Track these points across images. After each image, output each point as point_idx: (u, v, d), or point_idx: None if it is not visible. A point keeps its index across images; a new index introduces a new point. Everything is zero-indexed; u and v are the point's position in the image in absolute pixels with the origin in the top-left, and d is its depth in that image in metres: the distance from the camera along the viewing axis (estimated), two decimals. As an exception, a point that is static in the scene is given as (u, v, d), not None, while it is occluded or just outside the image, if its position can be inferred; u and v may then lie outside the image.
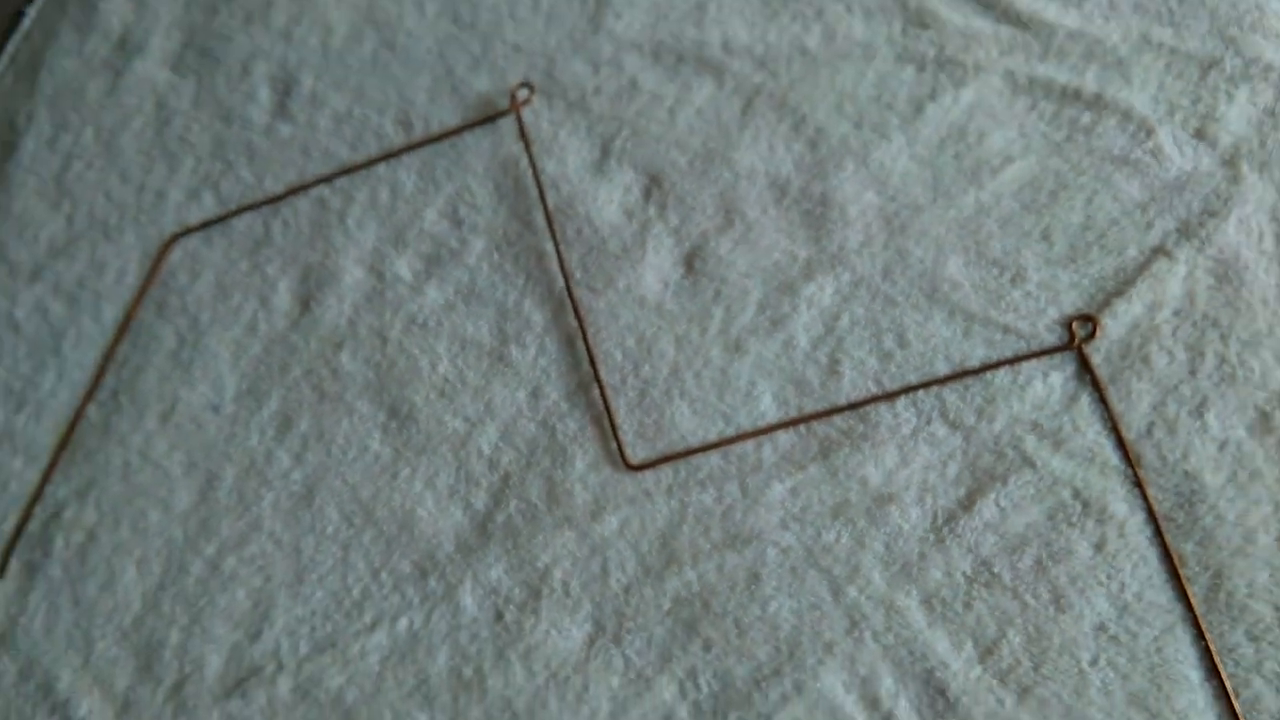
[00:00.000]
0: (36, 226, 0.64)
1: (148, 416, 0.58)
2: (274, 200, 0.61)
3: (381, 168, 0.60)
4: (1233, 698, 0.44)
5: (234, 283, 0.60)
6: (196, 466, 0.57)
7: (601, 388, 0.53)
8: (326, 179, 0.60)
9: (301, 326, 0.58)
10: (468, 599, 0.51)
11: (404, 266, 0.58)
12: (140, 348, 0.60)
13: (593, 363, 0.53)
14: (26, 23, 0.71)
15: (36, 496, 0.58)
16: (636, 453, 0.52)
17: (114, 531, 0.56)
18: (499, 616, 0.51)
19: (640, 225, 0.56)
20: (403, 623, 0.52)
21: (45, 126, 0.66)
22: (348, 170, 0.60)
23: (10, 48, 0.70)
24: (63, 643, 0.55)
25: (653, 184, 0.56)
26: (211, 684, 0.53)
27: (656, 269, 0.55)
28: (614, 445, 0.52)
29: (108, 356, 0.60)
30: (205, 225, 0.61)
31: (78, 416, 0.59)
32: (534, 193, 0.57)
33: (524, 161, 0.58)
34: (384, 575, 0.53)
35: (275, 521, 0.55)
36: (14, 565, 0.57)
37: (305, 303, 0.58)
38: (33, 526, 0.58)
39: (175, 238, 0.61)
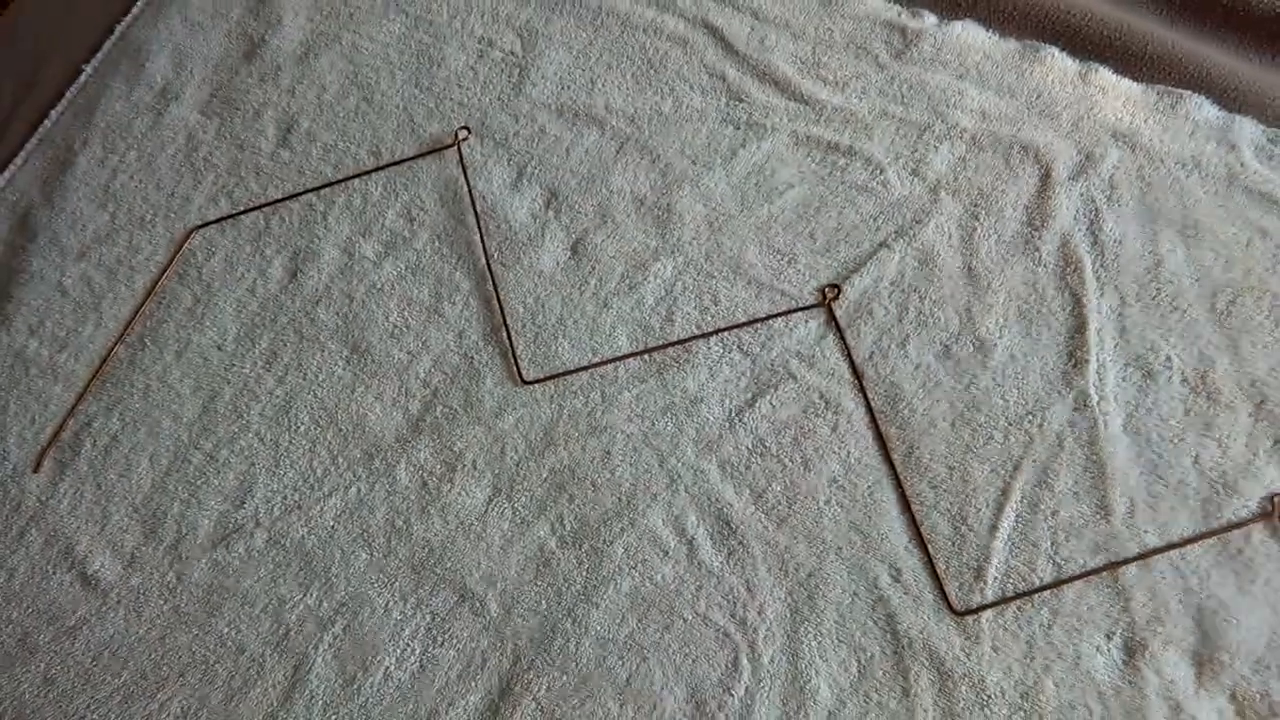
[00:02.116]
0: (85, 220, 0.83)
1: (166, 353, 0.77)
2: (274, 203, 0.82)
3: (356, 182, 0.82)
4: (919, 523, 0.66)
5: (239, 260, 0.80)
6: (202, 388, 0.75)
7: (507, 330, 0.74)
8: (314, 189, 0.82)
9: (289, 290, 0.78)
10: (402, 473, 0.71)
11: (369, 249, 0.79)
12: (164, 306, 0.79)
13: (502, 314, 0.75)
14: (84, 76, 0.93)
15: (70, 412, 0.75)
16: (530, 373, 0.73)
17: (133, 435, 0.74)
18: (424, 485, 0.70)
19: (541, 224, 0.79)
20: (353, 491, 0.71)
21: (97, 149, 0.87)
22: (330, 184, 0.82)
23: (70, 94, 0.92)
24: (84, 518, 0.72)
25: (552, 197, 0.79)
26: (202, 540, 0.70)
27: (551, 253, 0.77)
28: (514, 368, 0.73)
29: (137, 312, 0.78)
30: (220, 220, 0.82)
31: (109, 354, 0.77)
32: (467, 201, 0.79)
33: (461, 180, 0.80)
34: (340, 459, 0.72)
35: (261, 425, 0.74)
36: (48, 463, 0.74)
37: (293, 274, 0.79)
38: (65, 435, 0.75)
39: (195, 229, 0.82)
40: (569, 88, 0.83)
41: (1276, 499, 0.65)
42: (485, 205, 0.79)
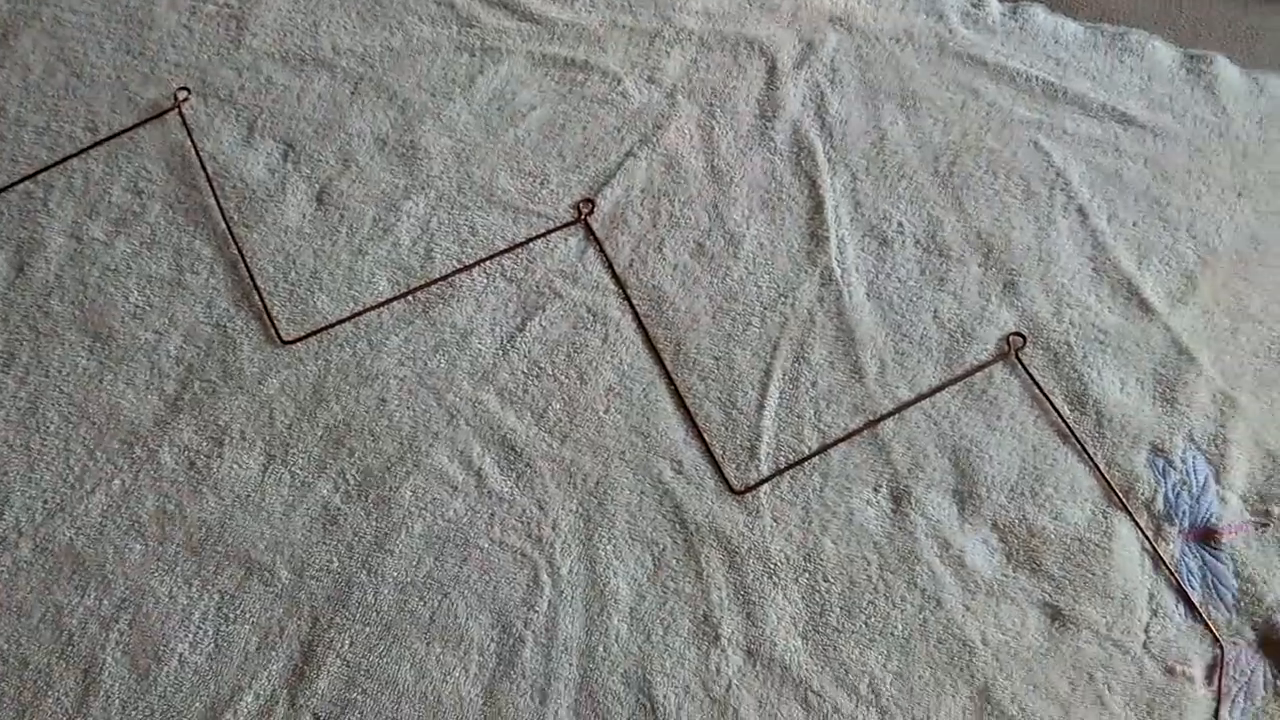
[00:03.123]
0: None
1: (-115, 374, 0.70)
2: (-14, 197, 0.76)
3: (75, 162, 0.76)
4: (693, 415, 0.68)
5: (-42, 264, 0.74)
6: (-66, 404, 0.70)
7: (259, 292, 0.71)
8: (30, 176, 0.76)
9: (18, 285, 0.72)
10: (166, 457, 0.67)
11: (98, 230, 0.74)
12: (-125, 325, 0.72)
13: (251, 276, 0.72)
14: None
15: None
16: (289, 332, 0.70)
17: None
18: (192, 464, 0.67)
19: (280, 178, 0.75)
20: (116, 483, 0.67)
21: None
22: (47, 168, 0.76)
23: None
24: None
25: (288, 148, 0.76)
26: (-36, 562, 0.65)
27: (295, 206, 0.75)
28: (272, 330, 0.70)
29: None
30: (-73, 224, 0.75)
31: None
32: (197, 165, 0.75)
33: (188, 144, 0.76)
34: (98, 453, 0.68)
35: (7, 431, 0.68)
36: None
37: (20, 268, 0.73)
38: None
39: (-97, 239, 0.75)
40: (292, 33, 0.80)
41: (1011, 338, 0.70)
42: (217, 166, 0.75)
